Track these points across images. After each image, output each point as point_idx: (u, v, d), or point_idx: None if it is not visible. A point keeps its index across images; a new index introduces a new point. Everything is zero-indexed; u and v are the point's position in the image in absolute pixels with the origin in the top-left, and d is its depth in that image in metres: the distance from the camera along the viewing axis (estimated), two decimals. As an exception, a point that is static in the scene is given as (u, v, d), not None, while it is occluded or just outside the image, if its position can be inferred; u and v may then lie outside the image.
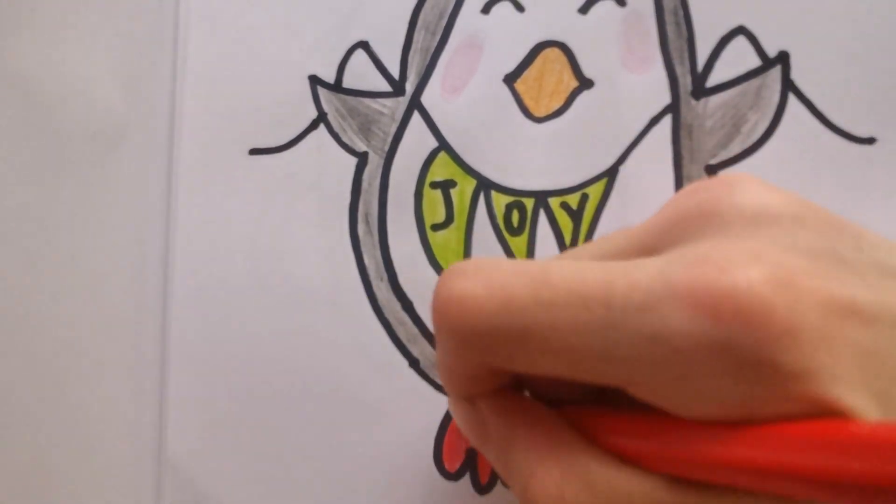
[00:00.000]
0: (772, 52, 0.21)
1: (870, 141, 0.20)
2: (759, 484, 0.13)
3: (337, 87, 0.24)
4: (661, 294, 0.13)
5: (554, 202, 0.22)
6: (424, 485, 0.23)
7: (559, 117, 0.22)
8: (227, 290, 0.24)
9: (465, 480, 0.22)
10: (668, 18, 0.22)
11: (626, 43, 0.22)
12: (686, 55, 0.22)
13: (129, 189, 0.25)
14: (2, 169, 0.26)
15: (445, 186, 0.23)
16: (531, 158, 0.22)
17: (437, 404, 0.23)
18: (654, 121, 0.22)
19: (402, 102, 0.24)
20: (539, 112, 0.22)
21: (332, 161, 0.24)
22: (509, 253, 0.22)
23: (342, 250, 0.24)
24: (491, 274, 0.15)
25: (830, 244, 0.14)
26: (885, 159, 0.20)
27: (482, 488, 0.22)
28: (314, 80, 0.24)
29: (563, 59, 0.22)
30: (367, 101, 0.24)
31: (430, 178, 0.23)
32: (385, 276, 0.23)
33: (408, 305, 0.23)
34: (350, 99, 0.24)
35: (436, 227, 0.23)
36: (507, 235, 0.22)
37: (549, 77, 0.22)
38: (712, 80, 0.21)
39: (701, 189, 0.15)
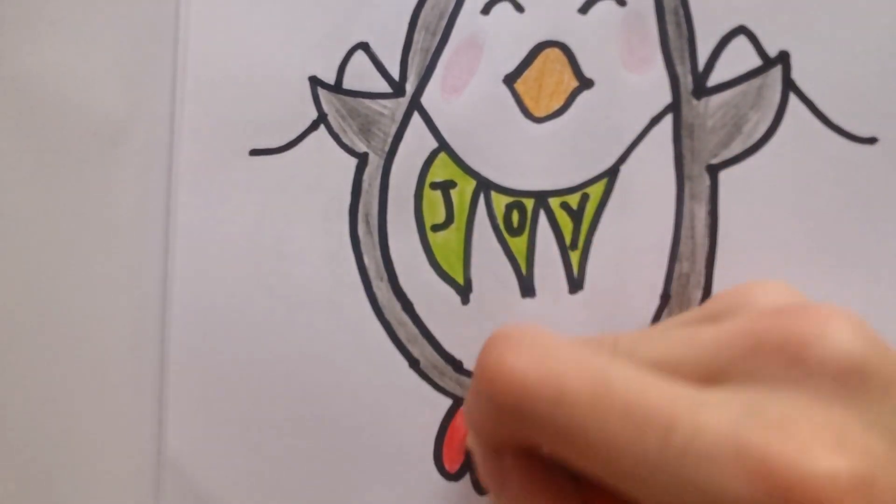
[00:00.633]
0: (772, 51, 0.21)
1: (871, 141, 0.20)
2: None
3: (337, 87, 0.24)
4: (729, 454, 0.12)
5: (554, 202, 0.22)
6: (424, 485, 0.23)
7: (559, 117, 0.22)
8: (227, 290, 0.24)
9: (465, 481, 0.22)
10: (669, 18, 0.22)
11: (627, 43, 0.22)
12: (687, 55, 0.21)
13: (129, 189, 0.25)
14: (2, 169, 0.26)
15: (445, 187, 0.23)
16: (531, 158, 0.22)
17: (437, 405, 0.23)
18: (655, 120, 0.22)
19: (402, 103, 0.24)
20: (539, 112, 0.22)
21: (333, 162, 0.24)
22: (509, 253, 0.22)
23: (342, 251, 0.24)
24: (547, 355, 0.14)
25: None
26: (887, 159, 0.20)
27: (482, 489, 0.22)
28: (314, 81, 0.24)
29: (564, 59, 0.22)
30: (368, 101, 0.24)
31: (430, 178, 0.23)
32: (385, 276, 0.23)
33: (408, 306, 0.23)
34: (350, 100, 0.24)
35: (436, 228, 0.23)
36: (507, 236, 0.22)
37: (549, 77, 0.22)
38: (713, 79, 0.21)
39: (788, 320, 0.14)
